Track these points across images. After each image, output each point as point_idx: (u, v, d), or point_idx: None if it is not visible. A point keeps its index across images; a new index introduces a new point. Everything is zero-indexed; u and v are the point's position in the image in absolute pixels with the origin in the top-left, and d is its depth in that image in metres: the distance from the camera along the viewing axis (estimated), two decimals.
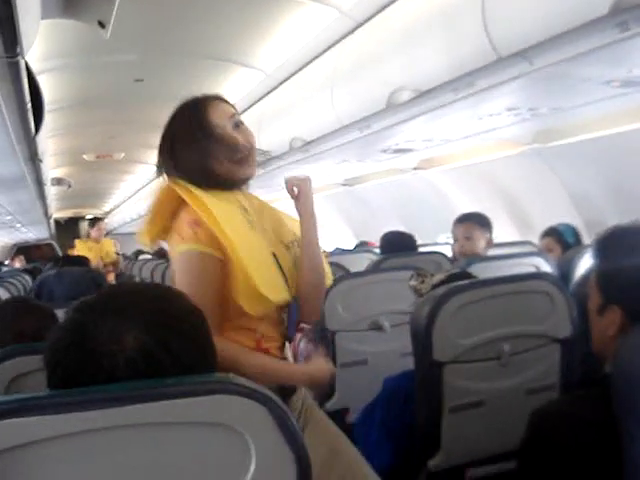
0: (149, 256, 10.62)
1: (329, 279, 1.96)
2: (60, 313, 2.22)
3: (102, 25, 3.03)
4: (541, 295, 2.25)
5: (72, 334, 1.00)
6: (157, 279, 6.53)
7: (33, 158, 4.35)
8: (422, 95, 2.86)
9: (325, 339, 3.02)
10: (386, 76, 3.10)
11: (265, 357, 1.70)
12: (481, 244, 3.50)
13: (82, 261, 4.73)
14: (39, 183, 6.44)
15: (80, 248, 7.14)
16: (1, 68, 1.95)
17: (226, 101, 1.83)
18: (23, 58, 1.95)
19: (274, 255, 1.73)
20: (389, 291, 3.16)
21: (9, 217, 9.28)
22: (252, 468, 0.95)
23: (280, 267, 1.72)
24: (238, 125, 1.77)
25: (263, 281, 1.61)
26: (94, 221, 7.76)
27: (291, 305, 1.76)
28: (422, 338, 2.15)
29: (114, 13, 2.87)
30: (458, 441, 2.18)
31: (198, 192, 1.65)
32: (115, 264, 7.40)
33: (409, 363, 3.02)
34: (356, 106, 3.44)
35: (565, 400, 1.95)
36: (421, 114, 3.07)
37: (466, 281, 2.26)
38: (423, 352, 2.17)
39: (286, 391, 1.73)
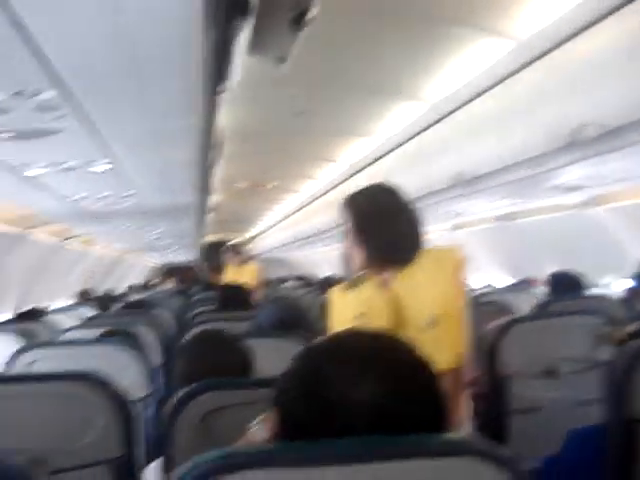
0: (294, 282, 10.81)
1: None
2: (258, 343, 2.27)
3: (281, 61, 3.07)
4: None
5: (306, 382, 0.97)
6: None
7: (205, 189, 4.51)
8: (609, 133, 2.72)
9: (497, 385, 2.92)
10: (568, 111, 2.98)
11: None
12: None
13: (242, 289, 4.82)
14: (202, 212, 6.68)
15: (230, 272, 7.33)
16: (204, 104, 2.02)
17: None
18: (225, 95, 2.02)
19: None
20: (566, 336, 3.01)
21: (169, 241, 9.71)
22: None
23: None
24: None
25: None
26: (233, 247, 7.90)
27: None
28: (618, 391, 2.02)
29: (295, 48, 2.92)
30: None
31: (334, 302, 2.06)
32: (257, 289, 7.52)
33: (584, 412, 2.89)
34: (532, 141, 3.32)
35: None
36: (603, 153, 2.92)
37: None
38: (617, 407, 2.03)
39: None
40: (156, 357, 3.70)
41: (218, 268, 9.98)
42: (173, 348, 4.53)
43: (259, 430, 1.30)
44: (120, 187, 3.79)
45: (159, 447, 1.79)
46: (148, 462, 2.07)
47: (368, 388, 0.94)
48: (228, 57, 1.73)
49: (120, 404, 1.96)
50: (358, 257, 1.98)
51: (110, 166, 3.15)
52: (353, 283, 2.02)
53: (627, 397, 2.00)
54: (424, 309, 1.94)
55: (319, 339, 1.07)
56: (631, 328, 2.27)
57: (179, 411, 1.73)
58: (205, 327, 3.51)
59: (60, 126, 2.26)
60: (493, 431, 3.00)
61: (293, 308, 2.95)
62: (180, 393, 1.81)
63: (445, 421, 1.01)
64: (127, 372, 2.95)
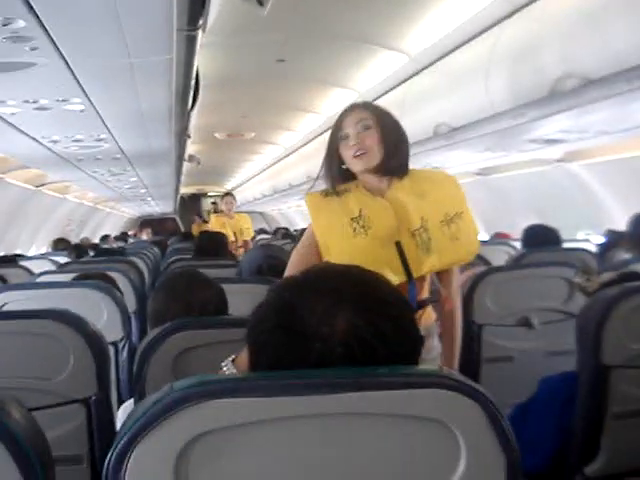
0: (268, 236, 10.80)
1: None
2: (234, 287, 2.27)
3: (260, 3, 3.00)
4: None
5: (280, 314, 0.97)
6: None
7: (182, 134, 4.44)
8: (592, 83, 2.71)
9: (470, 332, 2.95)
10: (550, 62, 2.96)
11: None
12: None
13: (220, 239, 4.79)
14: (180, 159, 6.58)
15: (215, 223, 7.07)
16: (180, 40, 1.98)
17: (369, 107, 2.17)
18: (203, 31, 1.97)
19: (398, 243, 2.06)
20: (539, 287, 3.04)
21: (143, 190, 9.61)
22: (461, 468, 0.90)
23: (402, 253, 2.06)
24: (365, 128, 2.10)
25: None
26: (224, 195, 7.66)
27: (410, 285, 2.06)
28: (591, 340, 2.05)
29: None
30: (620, 448, 2.07)
31: (317, 207, 2.15)
32: (248, 243, 7.33)
33: (556, 362, 2.93)
34: (514, 92, 3.30)
35: None
36: (589, 103, 2.91)
37: None
38: (590, 354, 2.06)
39: None
40: (130, 304, 3.68)
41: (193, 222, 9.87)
42: (147, 296, 4.53)
43: (229, 370, 1.30)
44: (94, 129, 3.72)
45: (132, 389, 1.79)
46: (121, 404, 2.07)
47: (342, 321, 0.93)
48: None
49: (94, 342, 1.95)
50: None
51: (83, 107, 3.09)
52: (335, 190, 2.15)
53: (600, 345, 2.04)
54: (438, 209, 2.11)
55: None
56: (604, 278, 2.30)
57: (152, 350, 1.72)
58: None
59: (32, 60, 2.20)
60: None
61: (273, 256, 2.93)
62: (153, 332, 1.80)
63: (419, 354, 1.02)
64: (101, 315, 2.95)
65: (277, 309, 0.98)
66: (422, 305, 2.15)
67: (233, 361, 1.30)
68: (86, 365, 1.92)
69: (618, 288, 2.08)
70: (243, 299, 2.57)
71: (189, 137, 4.81)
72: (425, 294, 2.21)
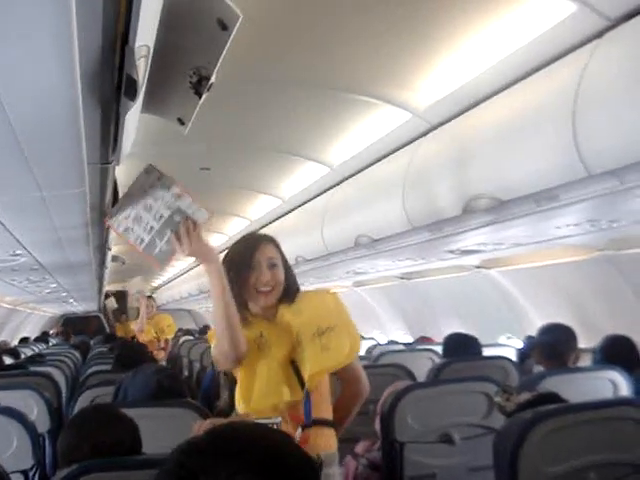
0: (191, 337, 10.63)
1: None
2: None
3: (182, 122, 3.05)
4: (629, 422, 2.16)
5: None
6: (207, 364, 6.41)
7: (103, 246, 4.39)
8: (502, 205, 2.82)
9: (393, 451, 2.92)
10: (464, 182, 3.07)
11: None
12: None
13: (141, 350, 4.69)
14: (101, 266, 6.50)
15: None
16: (93, 173, 1.98)
17: (273, 242, 2.37)
18: (117, 164, 1.97)
19: (293, 362, 2.24)
20: (460, 402, 3.05)
21: (64, 294, 9.38)
22: None
23: (297, 371, 2.23)
24: (273, 265, 2.30)
25: (258, 392, 2.22)
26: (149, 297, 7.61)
27: (305, 401, 2.23)
28: (507, 465, 2.06)
29: (196, 112, 2.90)
30: None
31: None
32: (168, 342, 7.26)
33: (478, 478, 2.92)
34: (430, 209, 3.40)
35: None
36: (499, 222, 3.02)
37: (554, 405, 2.19)
38: (507, 479, 2.07)
39: None
40: (44, 423, 3.52)
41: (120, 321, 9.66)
42: (63, 412, 4.35)
43: None
44: (9, 247, 3.64)
45: None
46: None
47: None
48: (117, 130, 1.70)
49: None
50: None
51: None
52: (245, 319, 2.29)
53: (516, 471, 2.04)
54: (311, 323, 2.27)
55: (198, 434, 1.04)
56: (521, 398, 2.33)
57: None
58: (97, 390, 3.42)
59: None
60: None
61: (169, 377, 2.87)
62: (60, 474, 1.73)
63: None
64: (10, 441, 2.81)
65: (179, 476, 0.95)
66: (316, 423, 2.25)
67: None
68: None
69: (531, 413, 2.11)
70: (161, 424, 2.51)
71: (109, 249, 4.76)
72: (322, 414, 2.29)
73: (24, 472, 2.80)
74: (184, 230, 2.11)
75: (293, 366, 2.25)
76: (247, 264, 2.26)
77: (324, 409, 2.30)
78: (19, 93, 1.33)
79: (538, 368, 3.82)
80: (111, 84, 1.52)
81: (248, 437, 1.00)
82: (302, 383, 2.23)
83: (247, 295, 2.29)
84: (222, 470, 0.92)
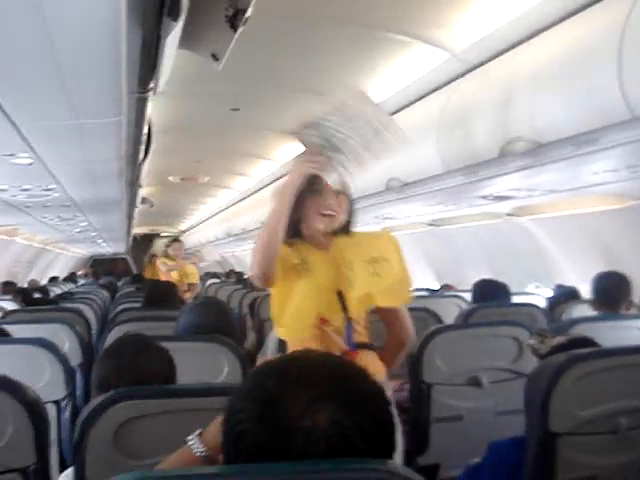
0: (218, 280, 10.74)
1: None
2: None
3: (215, 58, 3.00)
4: None
5: (262, 405, 0.95)
6: (234, 306, 6.47)
7: (134, 183, 4.39)
8: (540, 148, 2.76)
9: (421, 392, 2.94)
10: (501, 124, 3.01)
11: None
12: None
13: (170, 289, 4.74)
14: (132, 204, 6.53)
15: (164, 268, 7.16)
16: (130, 102, 1.95)
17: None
18: (154, 94, 1.95)
19: (339, 292, 2.27)
20: (489, 346, 3.06)
21: (94, 234, 9.48)
22: None
23: (342, 300, 2.26)
24: (339, 192, 2.33)
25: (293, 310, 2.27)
26: (172, 241, 7.70)
27: (346, 326, 2.28)
28: (538, 407, 2.05)
29: (230, 47, 2.86)
30: None
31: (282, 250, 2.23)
32: (195, 286, 7.41)
33: (505, 421, 2.93)
34: (465, 152, 3.35)
35: None
36: (535, 166, 2.96)
37: (588, 349, 2.16)
38: (538, 422, 2.06)
39: None
40: (76, 356, 3.59)
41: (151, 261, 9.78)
42: (93, 347, 4.43)
43: (196, 445, 1.26)
44: (42, 180, 3.66)
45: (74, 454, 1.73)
46: (66, 467, 1.99)
47: (324, 417, 0.93)
48: (157, 57, 1.67)
49: (32, 409, 1.86)
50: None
51: (31, 160, 3.02)
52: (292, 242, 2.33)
53: (547, 412, 2.04)
54: (365, 253, 2.31)
55: (274, 358, 1.05)
56: (555, 342, 2.31)
57: (92, 421, 1.66)
58: (127, 326, 3.45)
59: None
60: (418, 438, 3.03)
61: (212, 312, 2.88)
62: (96, 400, 1.74)
63: (393, 447, 1.01)
64: (43, 373, 2.86)
65: (258, 399, 0.96)
66: (359, 346, 2.30)
67: (200, 435, 1.27)
68: (25, 434, 1.83)
69: (565, 356, 2.09)
70: (190, 358, 2.53)
71: (141, 187, 4.77)
72: (363, 339, 2.34)
73: (56, 402, 2.87)
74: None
75: (338, 295, 2.28)
76: (314, 188, 2.28)
77: (360, 332, 2.34)
78: (62, 12, 1.30)
79: (567, 316, 3.81)
80: (154, 5, 1.49)
81: (328, 366, 1.02)
82: (345, 311, 2.27)
83: (307, 219, 2.31)
84: (303, 396, 0.94)
